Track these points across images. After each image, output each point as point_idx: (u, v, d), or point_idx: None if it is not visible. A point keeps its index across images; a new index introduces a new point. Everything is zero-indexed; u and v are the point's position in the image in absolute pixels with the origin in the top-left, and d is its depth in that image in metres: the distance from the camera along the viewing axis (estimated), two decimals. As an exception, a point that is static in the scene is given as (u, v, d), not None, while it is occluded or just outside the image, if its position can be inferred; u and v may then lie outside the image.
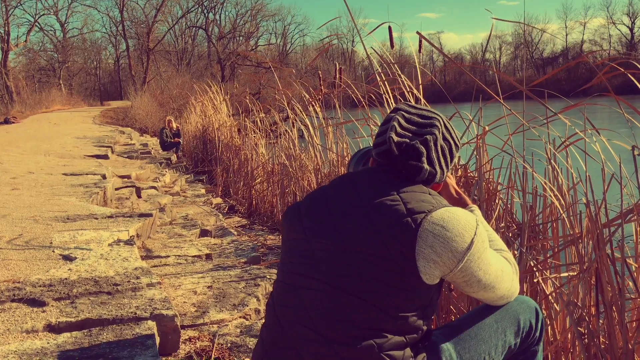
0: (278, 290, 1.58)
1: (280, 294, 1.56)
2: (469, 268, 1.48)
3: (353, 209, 1.50)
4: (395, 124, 1.60)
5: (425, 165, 1.56)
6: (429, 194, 1.53)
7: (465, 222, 1.48)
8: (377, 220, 1.45)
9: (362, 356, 1.40)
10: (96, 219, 4.31)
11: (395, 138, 1.57)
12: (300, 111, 5.83)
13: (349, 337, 1.41)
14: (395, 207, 1.46)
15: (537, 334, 1.72)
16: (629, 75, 2.46)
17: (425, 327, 1.50)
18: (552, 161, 2.76)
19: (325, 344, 1.42)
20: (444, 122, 1.65)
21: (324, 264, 1.48)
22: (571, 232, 2.64)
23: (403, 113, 1.64)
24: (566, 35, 67.78)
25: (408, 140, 1.57)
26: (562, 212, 2.70)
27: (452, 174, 1.89)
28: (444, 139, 1.63)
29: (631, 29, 64.27)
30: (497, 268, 1.55)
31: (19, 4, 44.19)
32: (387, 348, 1.41)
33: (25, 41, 47.28)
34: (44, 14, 51.50)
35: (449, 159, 1.64)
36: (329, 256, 1.48)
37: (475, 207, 1.80)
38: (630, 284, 2.47)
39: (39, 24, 49.61)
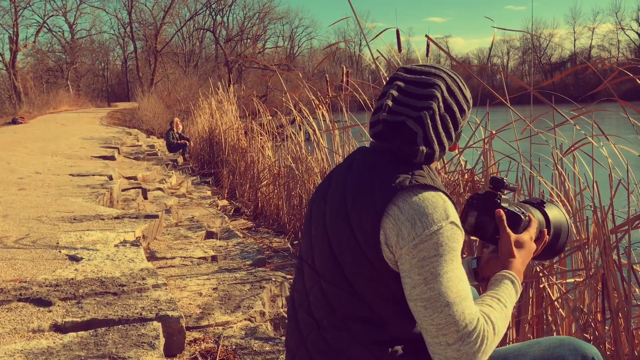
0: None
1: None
2: (420, 252, 1.30)
3: (336, 194, 1.46)
4: (389, 101, 1.44)
5: (422, 147, 1.41)
6: (419, 174, 1.39)
7: (433, 207, 1.33)
8: (350, 210, 1.39)
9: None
10: (102, 219, 4.33)
11: (387, 117, 1.43)
12: (307, 114, 5.84)
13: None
14: (369, 194, 1.38)
15: None
16: (638, 80, 2.45)
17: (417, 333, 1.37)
18: (558, 166, 2.76)
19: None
20: (447, 85, 1.46)
21: (318, 255, 1.46)
22: (578, 238, 2.63)
23: (399, 84, 1.46)
24: (574, 40, 67.62)
25: (403, 119, 1.41)
26: (568, 217, 2.69)
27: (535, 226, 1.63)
28: (447, 107, 1.45)
29: (640, 35, 64.05)
30: (457, 287, 1.31)
31: (28, 5, 44.49)
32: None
33: (34, 42, 47.57)
34: (52, 15, 51.70)
35: (452, 131, 1.47)
36: (319, 246, 1.46)
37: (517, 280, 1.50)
38: (637, 290, 2.46)
39: (47, 25, 49.93)
